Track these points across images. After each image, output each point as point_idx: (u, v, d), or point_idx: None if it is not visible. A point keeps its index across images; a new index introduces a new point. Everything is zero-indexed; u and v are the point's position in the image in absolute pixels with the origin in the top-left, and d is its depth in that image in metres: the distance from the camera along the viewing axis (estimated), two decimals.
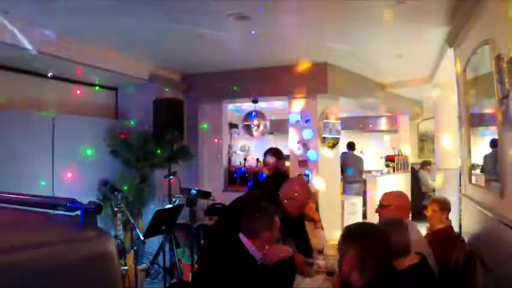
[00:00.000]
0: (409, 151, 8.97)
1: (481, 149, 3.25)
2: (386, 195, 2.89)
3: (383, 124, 10.26)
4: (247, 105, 6.49)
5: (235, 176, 6.25)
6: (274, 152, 4.68)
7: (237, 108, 7.13)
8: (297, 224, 2.98)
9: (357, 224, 2.11)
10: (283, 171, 4.68)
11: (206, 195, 4.86)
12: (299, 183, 2.91)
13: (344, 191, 6.96)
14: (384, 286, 1.64)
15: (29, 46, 3.68)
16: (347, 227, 1.87)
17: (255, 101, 6.03)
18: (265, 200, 2.56)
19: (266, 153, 4.68)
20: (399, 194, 2.88)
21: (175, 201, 4.77)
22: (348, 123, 9.14)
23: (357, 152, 8.34)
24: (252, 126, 6.03)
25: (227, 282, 2.14)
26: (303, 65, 5.29)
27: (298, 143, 5.61)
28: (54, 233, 0.89)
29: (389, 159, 8.01)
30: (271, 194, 2.88)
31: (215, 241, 2.92)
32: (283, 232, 2.88)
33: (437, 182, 6.17)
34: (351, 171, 7.80)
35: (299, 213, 2.89)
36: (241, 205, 2.91)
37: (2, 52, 3.80)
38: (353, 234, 1.77)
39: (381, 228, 1.79)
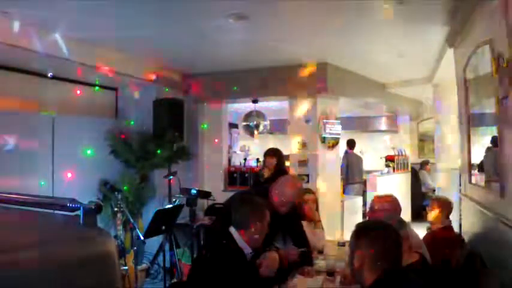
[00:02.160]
0: (409, 151, 8.97)
1: (481, 149, 3.25)
2: (376, 199, 2.89)
3: (383, 124, 10.26)
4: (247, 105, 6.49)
5: (235, 176, 6.25)
6: (274, 152, 4.67)
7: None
8: (292, 220, 2.99)
9: (369, 221, 2.10)
10: (284, 171, 4.67)
11: (206, 195, 4.86)
12: (289, 182, 2.93)
13: (344, 191, 6.96)
14: (393, 284, 1.64)
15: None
16: (358, 223, 1.87)
17: (255, 101, 6.03)
18: (261, 197, 2.59)
19: (266, 154, 4.67)
20: (390, 198, 2.88)
21: (175, 201, 4.77)
22: (348, 123, 9.14)
23: (356, 152, 8.34)
24: (252, 126, 6.03)
25: (217, 274, 2.15)
26: (309, 68, 5.30)
27: (298, 143, 5.62)
28: (54, 233, 0.89)
29: (389, 159, 8.01)
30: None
31: (210, 238, 2.94)
32: (283, 230, 2.90)
33: (437, 182, 6.17)
34: (352, 171, 7.80)
35: (289, 211, 2.91)
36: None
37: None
38: (364, 231, 1.76)
39: (392, 226, 1.78)
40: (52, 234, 0.88)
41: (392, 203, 2.81)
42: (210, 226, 3.23)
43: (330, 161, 5.80)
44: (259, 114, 6.08)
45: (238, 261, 2.27)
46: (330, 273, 2.65)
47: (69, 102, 4.97)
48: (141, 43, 4.44)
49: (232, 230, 2.38)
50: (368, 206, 3.02)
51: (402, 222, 2.30)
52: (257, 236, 2.37)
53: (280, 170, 4.48)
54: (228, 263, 2.20)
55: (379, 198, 2.92)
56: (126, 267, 3.67)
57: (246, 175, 6.11)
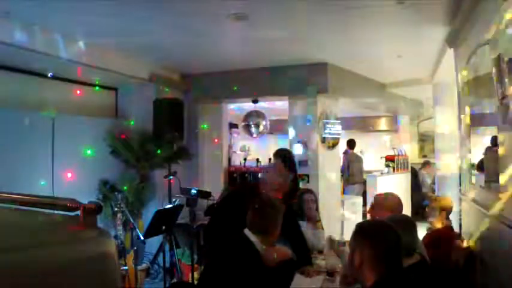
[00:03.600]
0: (409, 151, 8.97)
1: (481, 149, 3.25)
2: (378, 197, 2.94)
3: (383, 124, 10.26)
4: (247, 105, 6.49)
5: (235, 176, 6.25)
6: (281, 152, 4.65)
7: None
8: (287, 219, 3.00)
9: (369, 221, 2.10)
10: (292, 171, 4.65)
11: (206, 195, 4.86)
12: (271, 168, 2.96)
13: (344, 191, 6.96)
14: (394, 284, 1.64)
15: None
16: (359, 223, 1.87)
17: (255, 101, 6.03)
18: (249, 193, 2.63)
19: (275, 154, 4.66)
20: (391, 196, 2.91)
21: (175, 201, 4.77)
22: (348, 123, 9.14)
23: (356, 152, 8.34)
24: (252, 126, 6.03)
25: (236, 278, 2.13)
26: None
27: (298, 142, 5.62)
28: (54, 233, 0.89)
29: (389, 159, 8.00)
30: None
31: (214, 239, 2.93)
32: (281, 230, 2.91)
33: (437, 182, 6.17)
34: (352, 171, 7.81)
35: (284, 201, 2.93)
36: (231, 200, 2.96)
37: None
38: (365, 231, 1.76)
39: (392, 226, 1.78)
40: (52, 234, 0.88)
41: (393, 201, 2.83)
42: (211, 226, 3.22)
43: (330, 161, 5.80)
44: (259, 114, 6.08)
45: (257, 262, 2.25)
46: (330, 273, 2.66)
47: (69, 102, 4.97)
48: (141, 43, 4.43)
49: (248, 233, 2.33)
50: (369, 204, 3.04)
51: (410, 223, 2.30)
52: (275, 238, 2.36)
53: (289, 170, 4.47)
54: (247, 266, 2.18)
55: (380, 196, 2.95)
56: (126, 267, 3.67)
57: (246, 175, 6.11)
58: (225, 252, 2.38)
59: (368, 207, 2.98)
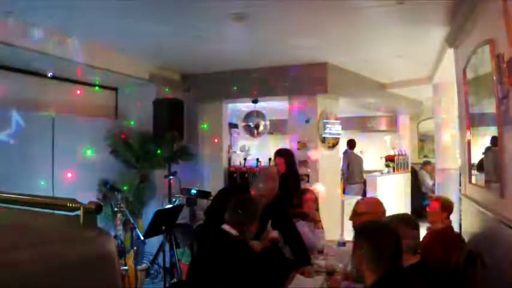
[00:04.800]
0: (409, 151, 8.96)
1: (481, 149, 3.25)
2: (360, 203, 2.92)
3: (383, 124, 10.25)
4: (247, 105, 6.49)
5: (235, 176, 6.25)
6: (283, 152, 4.66)
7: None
8: (276, 207, 3.01)
9: (369, 221, 2.11)
10: (294, 171, 4.65)
11: (206, 195, 4.86)
12: (270, 176, 2.95)
13: (344, 191, 6.96)
14: (394, 284, 1.65)
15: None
16: (361, 223, 1.88)
17: (255, 101, 6.03)
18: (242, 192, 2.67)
19: (276, 154, 4.67)
20: (374, 202, 2.90)
21: (175, 201, 4.77)
22: (348, 123, 9.14)
23: (356, 152, 8.34)
24: (252, 126, 6.03)
25: (222, 270, 2.15)
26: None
27: (298, 143, 5.62)
28: (54, 233, 0.89)
29: (389, 159, 8.00)
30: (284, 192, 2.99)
31: (203, 237, 2.96)
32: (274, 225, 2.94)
33: (437, 182, 6.17)
34: (352, 171, 7.80)
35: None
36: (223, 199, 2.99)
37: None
38: (366, 231, 1.78)
39: (393, 227, 1.80)
40: (52, 234, 0.88)
41: (375, 205, 2.80)
42: (201, 226, 3.26)
43: (330, 161, 5.80)
44: (259, 114, 6.08)
45: (240, 253, 2.28)
46: (330, 273, 2.66)
47: (69, 102, 4.97)
48: (141, 43, 4.44)
49: (226, 227, 2.37)
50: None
51: (414, 222, 2.31)
52: (253, 233, 2.40)
53: (290, 170, 4.47)
54: (232, 258, 2.21)
55: (362, 202, 2.95)
56: (126, 267, 3.67)
57: (246, 175, 6.11)
58: (205, 246, 2.44)
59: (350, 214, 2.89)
